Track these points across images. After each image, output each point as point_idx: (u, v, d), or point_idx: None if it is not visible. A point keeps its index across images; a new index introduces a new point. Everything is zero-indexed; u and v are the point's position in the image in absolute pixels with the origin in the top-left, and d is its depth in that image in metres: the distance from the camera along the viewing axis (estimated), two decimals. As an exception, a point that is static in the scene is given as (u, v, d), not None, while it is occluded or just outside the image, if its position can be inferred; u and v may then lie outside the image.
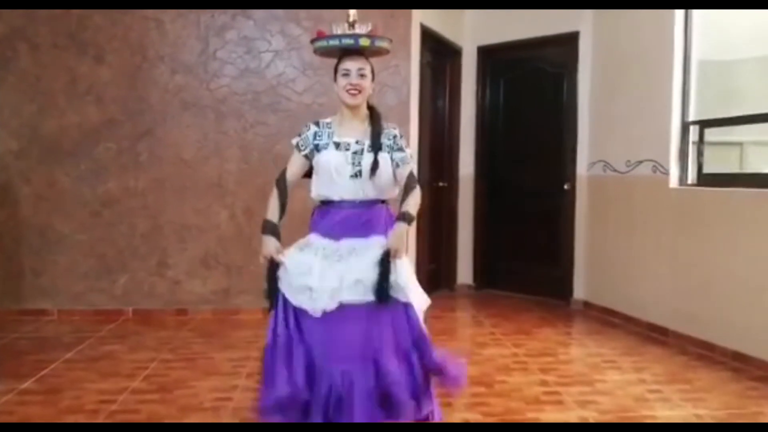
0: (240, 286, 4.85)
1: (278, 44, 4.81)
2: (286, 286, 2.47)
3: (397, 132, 2.55)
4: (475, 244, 5.99)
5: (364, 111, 2.55)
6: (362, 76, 2.47)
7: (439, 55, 5.73)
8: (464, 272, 6.02)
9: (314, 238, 2.51)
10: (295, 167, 2.57)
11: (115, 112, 4.74)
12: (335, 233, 2.47)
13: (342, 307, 2.36)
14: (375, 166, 2.43)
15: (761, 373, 3.57)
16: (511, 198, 5.77)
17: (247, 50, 4.81)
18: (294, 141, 2.56)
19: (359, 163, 2.45)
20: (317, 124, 2.55)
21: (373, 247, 2.40)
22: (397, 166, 2.49)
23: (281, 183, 2.57)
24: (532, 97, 5.65)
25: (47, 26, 4.68)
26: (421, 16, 5.07)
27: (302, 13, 4.81)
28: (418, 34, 5.06)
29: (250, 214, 4.82)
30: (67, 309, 4.72)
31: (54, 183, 4.73)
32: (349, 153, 2.46)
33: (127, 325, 4.54)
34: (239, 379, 3.41)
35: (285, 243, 2.53)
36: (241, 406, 3.03)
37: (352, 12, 2.54)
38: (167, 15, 4.74)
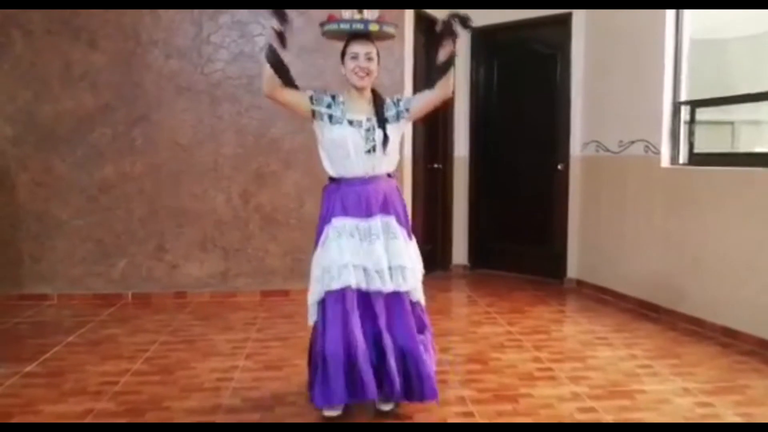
0: (237, 269, 4.90)
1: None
2: (328, 281, 2.62)
3: (390, 97, 2.75)
4: (469, 224, 6.05)
5: (368, 92, 2.71)
6: (370, 59, 2.64)
7: (433, 36, 5.72)
8: (459, 253, 6.09)
9: (338, 221, 2.64)
10: (294, 94, 2.64)
11: (109, 97, 4.76)
12: (362, 211, 2.64)
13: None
14: (386, 139, 2.64)
15: (749, 347, 3.65)
16: (505, 179, 5.82)
17: (241, 34, 4.82)
18: (309, 92, 2.67)
19: (373, 139, 2.64)
20: (333, 97, 2.69)
21: (398, 233, 2.68)
22: (407, 110, 2.70)
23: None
24: (525, 78, 5.67)
25: (40, 12, 4.66)
26: (414, -2, 5.08)
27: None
28: (411, 16, 5.07)
29: (247, 198, 4.86)
30: (67, 293, 4.77)
31: (50, 169, 4.76)
32: (362, 130, 2.63)
33: (126, 309, 4.59)
34: (239, 359, 3.48)
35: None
36: (241, 386, 3.09)
37: None
38: (160, -1, 4.74)
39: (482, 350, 3.66)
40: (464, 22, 2.55)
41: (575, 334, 4.05)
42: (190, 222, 4.86)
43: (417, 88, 5.27)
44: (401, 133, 2.77)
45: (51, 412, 2.79)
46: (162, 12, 4.74)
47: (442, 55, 2.60)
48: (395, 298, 2.67)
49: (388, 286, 2.63)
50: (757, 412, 2.79)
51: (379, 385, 2.59)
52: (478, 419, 2.72)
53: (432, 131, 5.80)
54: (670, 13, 4.36)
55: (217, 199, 4.87)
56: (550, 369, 3.35)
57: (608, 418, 2.72)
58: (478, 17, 5.67)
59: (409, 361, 2.63)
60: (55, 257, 4.79)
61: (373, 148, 2.63)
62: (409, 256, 2.71)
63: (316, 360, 2.64)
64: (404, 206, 2.80)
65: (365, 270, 2.61)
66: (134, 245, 4.83)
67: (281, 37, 2.49)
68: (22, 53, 4.70)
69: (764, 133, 4.46)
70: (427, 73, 2.77)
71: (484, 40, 5.85)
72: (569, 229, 5.38)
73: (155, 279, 4.85)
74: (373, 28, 2.62)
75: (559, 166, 5.40)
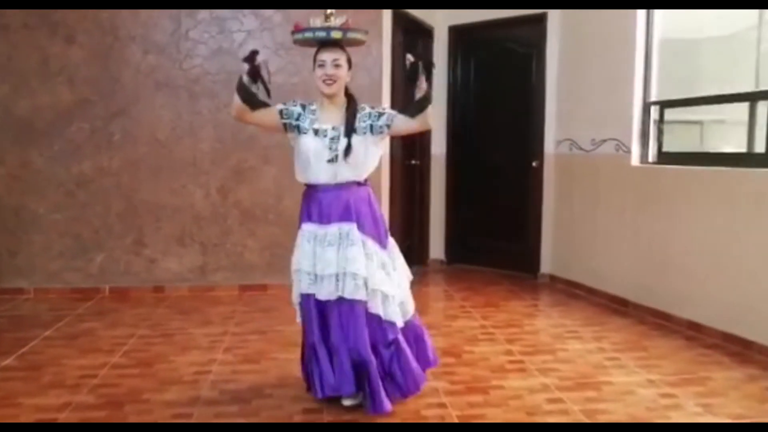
0: (216, 264, 4.94)
1: (250, 24, 4.84)
2: (297, 284, 2.78)
3: (370, 107, 2.75)
4: (446, 220, 6.14)
5: (342, 98, 2.74)
6: (337, 66, 2.65)
7: (411, 34, 5.80)
8: (436, 248, 6.18)
9: (305, 227, 2.74)
10: (264, 114, 2.72)
11: (87, 92, 4.75)
12: (322, 217, 2.69)
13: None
14: (348, 150, 2.64)
15: (713, 341, 3.79)
16: (482, 175, 5.92)
17: (220, 30, 4.84)
18: (279, 106, 2.72)
19: (336, 148, 2.65)
20: (303, 107, 2.74)
21: (357, 240, 2.65)
22: (388, 126, 2.71)
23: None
24: (501, 76, 5.77)
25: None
26: (392, -3, 5.14)
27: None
28: (389, 15, 5.12)
29: (225, 193, 4.90)
30: (44, 287, 4.78)
31: (28, 163, 4.75)
32: (326, 139, 2.66)
33: (104, 303, 4.61)
34: (217, 353, 3.53)
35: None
36: (219, 378, 3.15)
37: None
38: (138, -6, 4.74)
39: (456, 343, 3.76)
40: (428, 66, 2.64)
41: (547, 327, 4.15)
42: (169, 217, 4.88)
43: (395, 88, 5.35)
44: (376, 145, 2.74)
45: (31, 404, 2.82)
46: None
47: (417, 94, 2.65)
48: (347, 305, 2.67)
49: (335, 293, 2.66)
50: (716, 402, 2.91)
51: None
52: (451, 410, 2.80)
53: (410, 128, 5.86)
54: (641, 13, 4.46)
55: (196, 194, 4.90)
56: (521, 361, 3.45)
57: (575, 409, 2.82)
58: (456, 16, 5.80)
59: (362, 370, 2.69)
60: (32, 251, 4.78)
61: (335, 157, 2.64)
62: (362, 263, 2.65)
63: (309, 353, 2.76)
64: (375, 215, 2.77)
65: (316, 276, 2.68)
66: (112, 240, 4.84)
67: (255, 74, 2.62)
68: (-1, 47, 4.68)
69: (731, 133, 4.60)
70: (404, 104, 2.80)
71: (461, 38, 5.93)
72: (543, 226, 5.49)
73: (133, 273, 4.87)
74: (336, 35, 2.62)
75: (534, 164, 5.50)
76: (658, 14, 4.45)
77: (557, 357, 3.53)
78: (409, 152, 5.86)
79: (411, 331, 2.88)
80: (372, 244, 2.72)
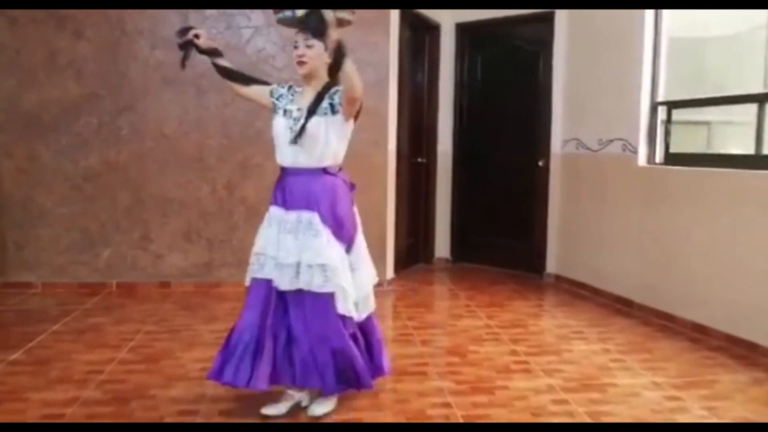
0: (221, 260, 4.95)
1: (258, 20, 4.84)
2: (253, 269, 2.73)
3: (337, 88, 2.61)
4: (452, 219, 6.14)
5: (320, 81, 2.64)
6: (308, 46, 2.58)
7: (418, 31, 5.80)
8: (442, 246, 6.18)
9: (272, 210, 2.70)
10: (259, 90, 2.79)
11: (95, 86, 4.76)
12: (285, 202, 2.65)
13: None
14: (301, 130, 2.56)
15: (718, 343, 3.79)
16: (488, 174, 5.91)
17: (227, 26, 4.84)
18: (273, 85, 2.79)
19: (296, 129, 2.60)
20: (290, 89, 2.76)
21: (321, 231, 2.57)
22: (340, 102, 2.58)
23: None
24: (508, 74, 5.76)
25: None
26: (400, -6, 5.13)
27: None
28: (396, 12, 5.12)
29: (231, 189, 4.91)
30: (51, 282, 4.80)
31: (35, 157, 4.76)
32: (291, 120, 2.63)
33: (110, 298, 4.63)
34: (223, 349, 3.53)
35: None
36: (225, 375, 3.15)
37: None
38: (147, -12, 4.75)
39: (461, 343, 3.76)
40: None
41: (552, 328, 4.16)
42: (175, 212, 4.89)
43: (403, 84, 5.35)
44: (337, 129, 2.61)
45: (38, 399, 2.83)
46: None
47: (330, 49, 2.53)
48: (307, 296, 2.59)
49: (294, 284, 2.58)
50: (722, 405, 2.91)
51: (285, 376, 2.67)
52: (455, 410, 2.81)
53: (416, 126, 5.87)
54: (649, 12, 4.44)
55: (202, 189, 4.91)
56: (526, 362, 3.45)
57: (580, 411, 2.83)
58: (464, 13, 5.79)
59: (343, 360, 2.64)
60: (40, 245, 4.80)
61: (295, 139, 2.58)
62: (328, 256, 2.56)
63: (228, 337, 2.73)
64: (337, 208, 2.63)
65: (276, 262, 2.61)
66: (119, 234, 4.86)
67: (185, 51, 2.68)
68: (7, 41, 4.68)
69: (739, 134, 4.59)
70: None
71: (468, 35, 5.93)
72: (549, 225, 5.49)
73: (140, 268, 4.89)
74: (300, 14, 2.58)
75: (540, 163, 5.50)
76: (666, 13, 4.43)
77: (562, 358, 3.53)
78: (415, 150, 5.87)
79: (369, 333, 2.81)
80: (332, 237, 2.61)
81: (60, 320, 4.03)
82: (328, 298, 2.59)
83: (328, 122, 2.59)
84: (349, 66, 2.43)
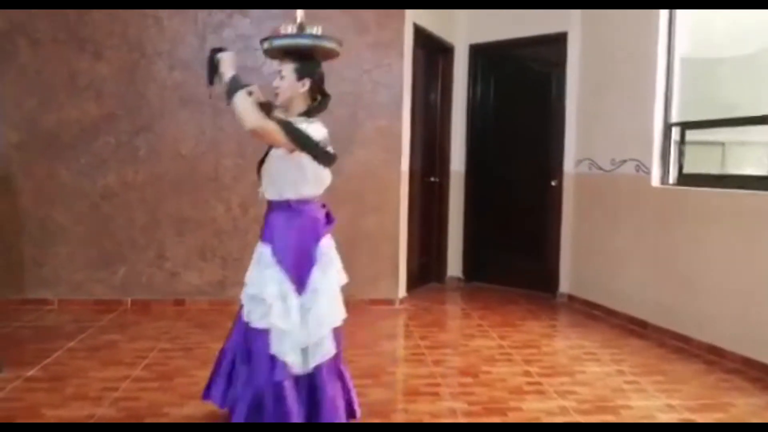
0: (235, 278, 4.97)
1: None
2: None
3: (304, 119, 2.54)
4: (464, 238, 6.15)
5: (294, 111, 2.61)
6: (281, 77, 2.60)
7: (432, 52, 5.86)
8: (454, 265, 6.18)
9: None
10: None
11: (113, 106, 4.85)
12: (260, 233, 2.68)
13: None
14: (260, 163, 2.61)
15: (734, 365, 3.75)
16: (500, 193, 5.93)
17: (244, 47, 4.91)
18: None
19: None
20: None
21: (271, 264, 2.52)
22: None
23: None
24: (521, 95, 5.79)
25: (47, 21, 4.77)
26: (413, 16, 5.20)
27: (298, 11, 4.91)
28: (411, 33, 5.17)
29: (246, 208, 4.95)
30: (67, 299, 4.85)
31: (54, 176, 4.85)
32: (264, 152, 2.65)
33: (126, 315, 4.67)
34: (236, 368, 3.55)
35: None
36: (238, 394, 3.17)
37: (299, 13, 2.65)
38: (165, 12, 4.85)
39: (474, 363, 3.75)
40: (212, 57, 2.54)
41: (565, 348, 4.14)
42: (190, 231, 4.95)
43: (416, 104, 5.40)
44: (284, 159, 2.51)
45: (54, 416, 2.87)
46: (166, 24, 4.85)
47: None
48: (253, 332, 2.55)
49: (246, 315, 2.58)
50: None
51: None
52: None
53: (429, 146, 5.91)
54: (662, 33, 4.47)
55: (217, 209, 4.96)
56: (539, 383, 3.44)
57: (593, 433, 2.81)
58: (477, 34, 5.84)
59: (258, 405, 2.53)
60: (57, 262, 4.87)
61: (259, 172, 2.63)
62: (267, 291, 2.48)
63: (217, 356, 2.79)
64: (292, 241, 2.54)
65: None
66: (135, 252, 4.92)
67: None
68: (28, 62, 4.79)
69: (753, 154, 4.58)
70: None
71: (481, 56, 5.97)
72: (562, 245, 5.48)
73: (155, 286, 4.93)
74: (266, 46, 2.60)
75: (553, 183, 5.51)
76: (680, 33, 4.46)
77: (575, 379, 3.51)
78: (428, 169, 5.90)
79: (317, 387, 2.57)
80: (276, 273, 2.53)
81: (76, 337, 4.07)
82: (264, 334, 2.49)
83: (279, 155, 2.52)
84: (236, 101, 2.40)
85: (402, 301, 5.19)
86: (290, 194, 2.56)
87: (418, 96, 5.52)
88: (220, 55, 2.52)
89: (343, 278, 2.70)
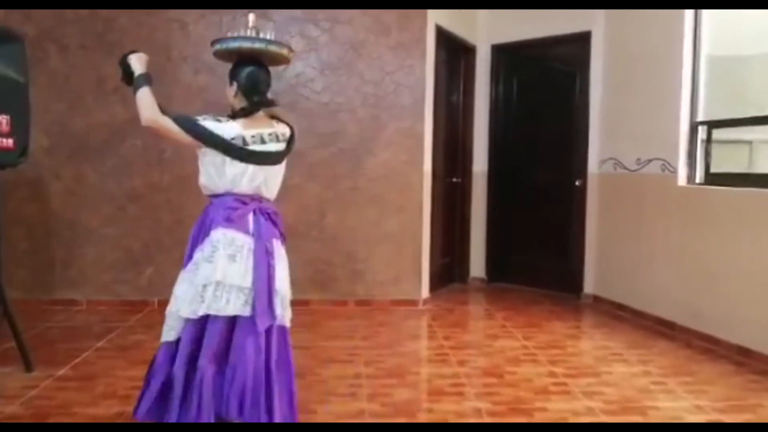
0: (260, 279, 5.02)
1: (297, 45, 4.95)
2: None
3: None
4: (487, 238, 6.13)
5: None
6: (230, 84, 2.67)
7: (454, 53, 5.86)
8: (477, 266, 6.17)
9: None
10: None
11: (140, 110, 4.92)
12: None
13: None
14: None
15: (763, 366, 3.70)
16: (524, 194, 5.90)
17: (267, 51, 4.96)
18: None
19: None
20: None
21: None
22: None
23: None
24: (544, 95, 5.76)
25: (75, 28, 4.86)
26: (435, 17, 5.20)
27: (320, 14, 4.96)
28: (432, 34, 5.18)
29: (270, 210, 4.99)
30: (95, 299, 4.93)
31: (82, 178, 4.93)
32: None
33: (152, 315, 4.73)
34: (261, 368, 3.58)
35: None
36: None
37: (251, 17, 2.66)
38: (190, 16, 4.92)
39: (498, 364, 3.74)
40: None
41: (590, 349, 4.11)
42: (215, 232, 4.99)
43: (438, 105, 5.40)
44: (200, 155, 2.65)
45: (85, 414, 2.92)
46: (192, 29, 4.92)
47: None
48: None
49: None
50: None
51: None
52: None
53: (451, 146, 5.91)
54: (687, 31, 4.42)
55: (242, 210, 5.00)
56: (564, 384, 3.42)
57: (620, 434, 2.79)
58: (499, 35, 5.83)
59: None
60: (85, 264, 4.95)
61: None
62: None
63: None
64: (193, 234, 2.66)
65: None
66: (161, 254, 4.98)
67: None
68: (58, 67, 4.89)
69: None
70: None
71: (504, 57, 5.96)
72: (587, 245, 5.44)
73: (180, 287, 4.99)
74: (214, 51, 2.67)
75: (577, 182, 5.47)
76: (705, 31, 4.40)
77: (602, 380, 3.49)
78: (450, 170, 5.90)
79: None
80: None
81: (104, 337, 4.13)
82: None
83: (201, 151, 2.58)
84: (137, 95, 2.51)
85: (425, 302, 5.19)
86: (204, 188, 2.69)
87: (440, 97, 5.53)
88: (131, 56, 2.62)
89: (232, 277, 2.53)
